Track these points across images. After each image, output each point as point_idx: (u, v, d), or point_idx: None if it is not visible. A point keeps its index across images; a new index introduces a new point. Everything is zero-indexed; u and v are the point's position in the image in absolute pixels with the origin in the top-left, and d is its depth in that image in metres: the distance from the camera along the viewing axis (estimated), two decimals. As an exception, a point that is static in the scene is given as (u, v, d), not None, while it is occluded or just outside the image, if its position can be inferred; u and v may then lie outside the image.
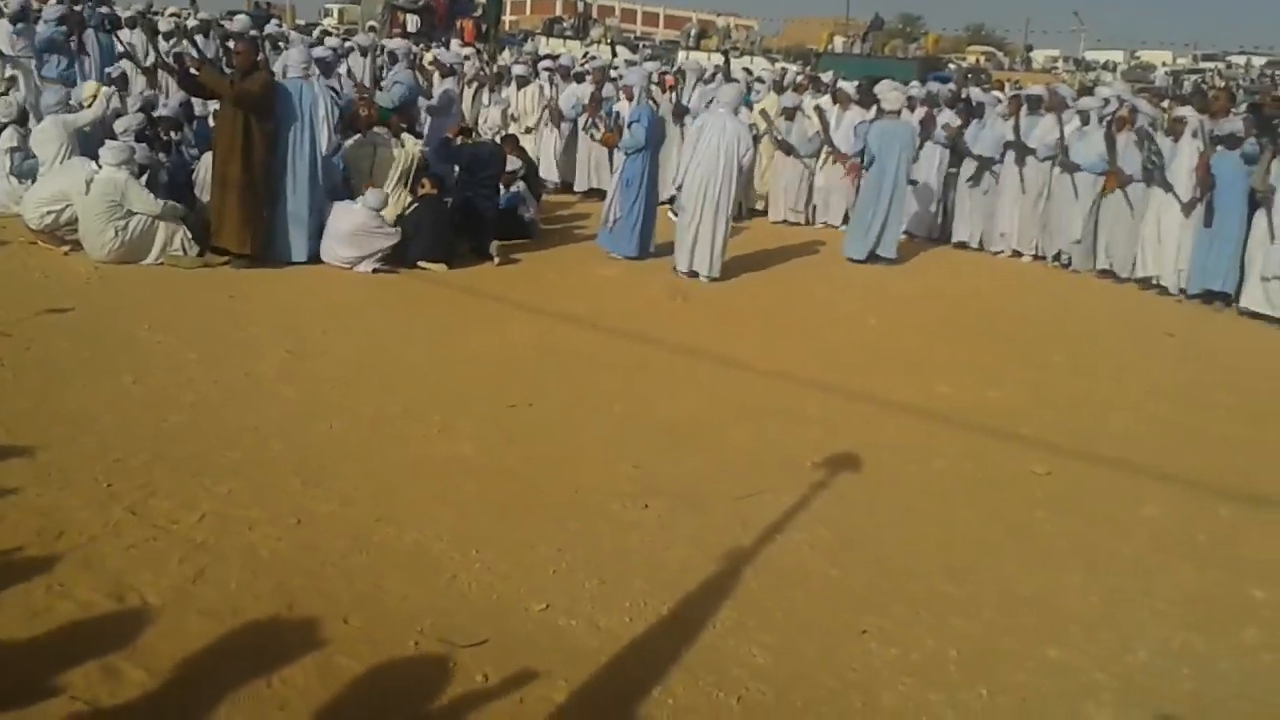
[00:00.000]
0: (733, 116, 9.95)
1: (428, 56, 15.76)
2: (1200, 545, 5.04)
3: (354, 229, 9.00)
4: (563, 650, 3.71)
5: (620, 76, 13.88)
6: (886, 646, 3.92)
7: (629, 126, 10.50)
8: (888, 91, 11.73)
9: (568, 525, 4.67)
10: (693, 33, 38.50)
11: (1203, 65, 44.98)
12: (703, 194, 9.76)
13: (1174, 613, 4.36)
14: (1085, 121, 11.50)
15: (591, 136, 13.11)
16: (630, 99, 11.32)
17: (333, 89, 9.75)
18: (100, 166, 8.55)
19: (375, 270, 9.08)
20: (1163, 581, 4.63)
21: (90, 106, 10.13)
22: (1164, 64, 48.36)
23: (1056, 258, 11.84)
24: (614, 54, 20.90)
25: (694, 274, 9.94)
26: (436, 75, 13.52)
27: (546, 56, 18.95)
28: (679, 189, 9.96)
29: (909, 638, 3.99)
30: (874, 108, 12.42)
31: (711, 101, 13.12)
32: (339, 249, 9.07)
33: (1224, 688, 3.83)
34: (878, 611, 4.16)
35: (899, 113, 11.47)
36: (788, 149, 13.18)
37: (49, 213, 8.63)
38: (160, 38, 14.54)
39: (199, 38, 15.48)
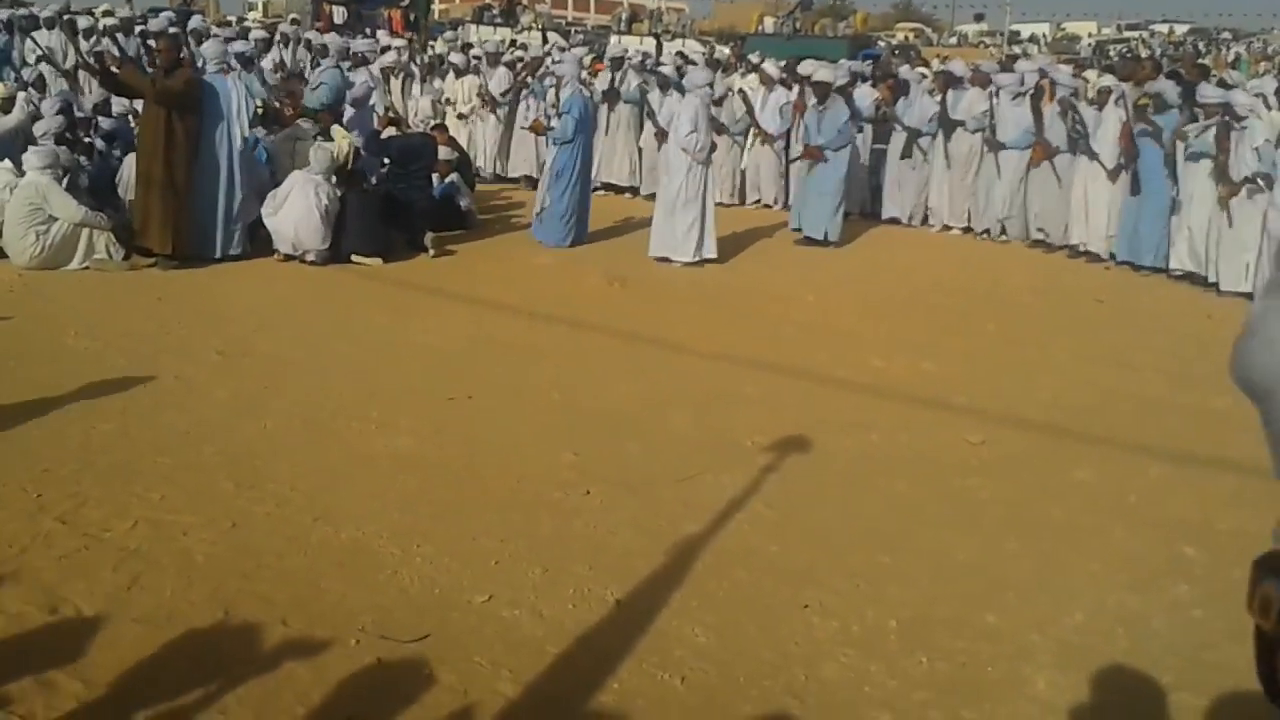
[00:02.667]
0: (686, 98, 10.10)
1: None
2: (1132, 506, 5.14)
3: (321, 212, 8.90)
4: (507, 641, 3.70)
5: (553, 63, 13.82)
6: (827, 619, 3.97)
7: (559, 117, 10.46)
8: (810, 69, 11.89)
9: (509, 516, 4.66)
10: (624, 17, 38.39)
11: (1127, 34, 45.65)
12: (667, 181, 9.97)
13: (1108, 574, 4.44)
14: (1011, 96, 11.66)
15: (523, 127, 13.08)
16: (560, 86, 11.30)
17: (249, 85, 9.60)
18: (23, 172, 8.38)
19: (312, 263, 8.99)
20: (1096, 543, 4.72)
21: (3, 111, 9.88)
22: (1090, 34, 49.03)
23: (986, 231, 11.99)
24: (545, 40, 20.78)
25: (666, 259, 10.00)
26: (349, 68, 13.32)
27: (472, 45, 18.80)
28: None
29: (849, 610, 4.03)
30: (796, 87, 12.53)
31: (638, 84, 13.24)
32: (308, 238, 8.94)
33: (1157, 645, 3.92)
34: (818, 585, 4.20)
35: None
36: (718, 129, 13.19)
37: None
38: (80, 37, 14.24)
39: (120, 36, 15.22)
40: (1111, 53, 33.89)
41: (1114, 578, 4.41)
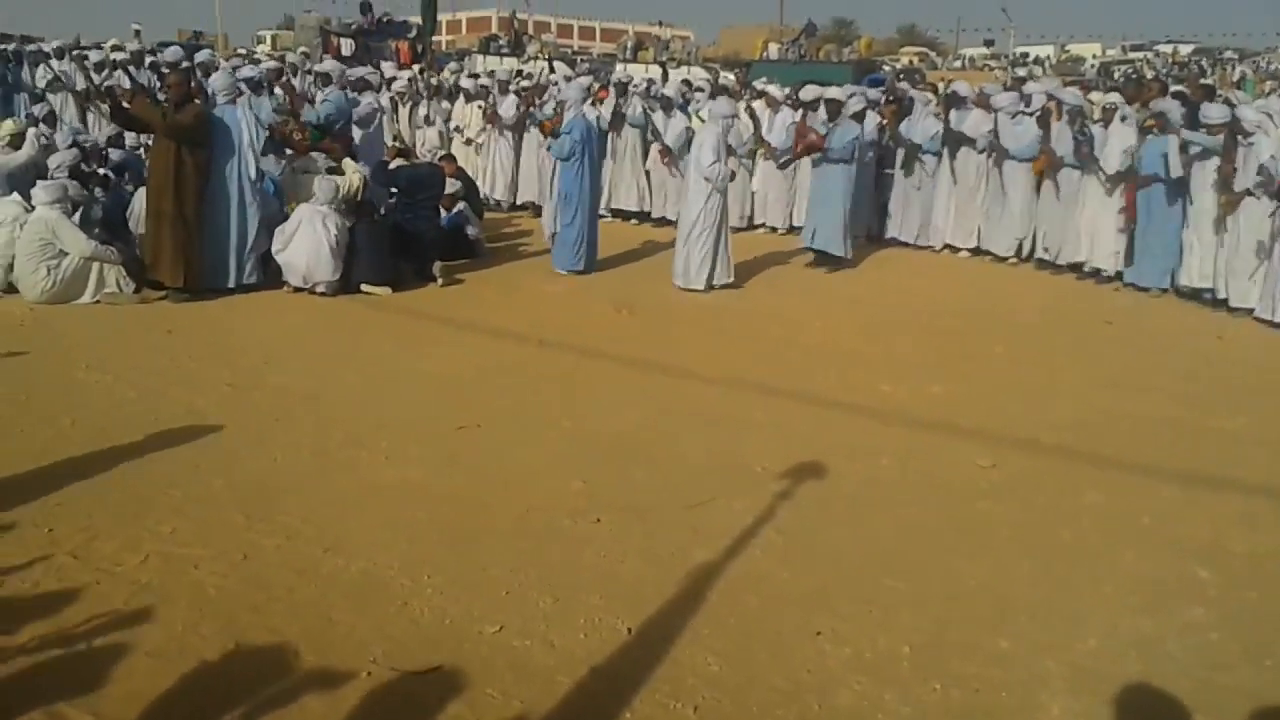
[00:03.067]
0: (708, 127, 10.23)
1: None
2: (1144, 528, 5.12)
3: (331, 244, 8.96)
4: (518, 671, 3.69)
5: (559, 90, 13.94)
6: (840, 646, 3.95)
7: (559, 138, 10.51)
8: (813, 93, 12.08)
9: (519, 545, 4.66)
10: (629, 45, 38.62)
11: (1131, 55, 45.78)
12: (686, 208, 10.18)
13: (1120, 596, 4.42)
14: (1012, 116, 11.71)
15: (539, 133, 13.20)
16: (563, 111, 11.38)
17: (258, 112, 9.66)
18: (33, 206, 8.44)
19: (322, 294, 9.04)
20: (1108, 566, 4.70)
21: (12, 145, 9.95)
22: (1094, 56, 49.18)
23: (993, 253, 12.00)
24: (551, 69, 20.88)
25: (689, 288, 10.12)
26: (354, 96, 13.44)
27: (476, 75, 18.98)
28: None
29: (861, 636, 4.02)
30: (801, 109, 12.63)
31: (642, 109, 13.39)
32: (318, 270, 9.00)
33: (1172, 668, 3.89)
34: (830, 612, 4.18)
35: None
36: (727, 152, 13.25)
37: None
38: (91, 69, 14.40)
39: (131, 69, 15.38)
40: (1116, 74, 33.99)
41: (1126, 601, 4.39)
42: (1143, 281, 10.46)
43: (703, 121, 13.40)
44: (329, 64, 14.63)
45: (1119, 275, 10.70)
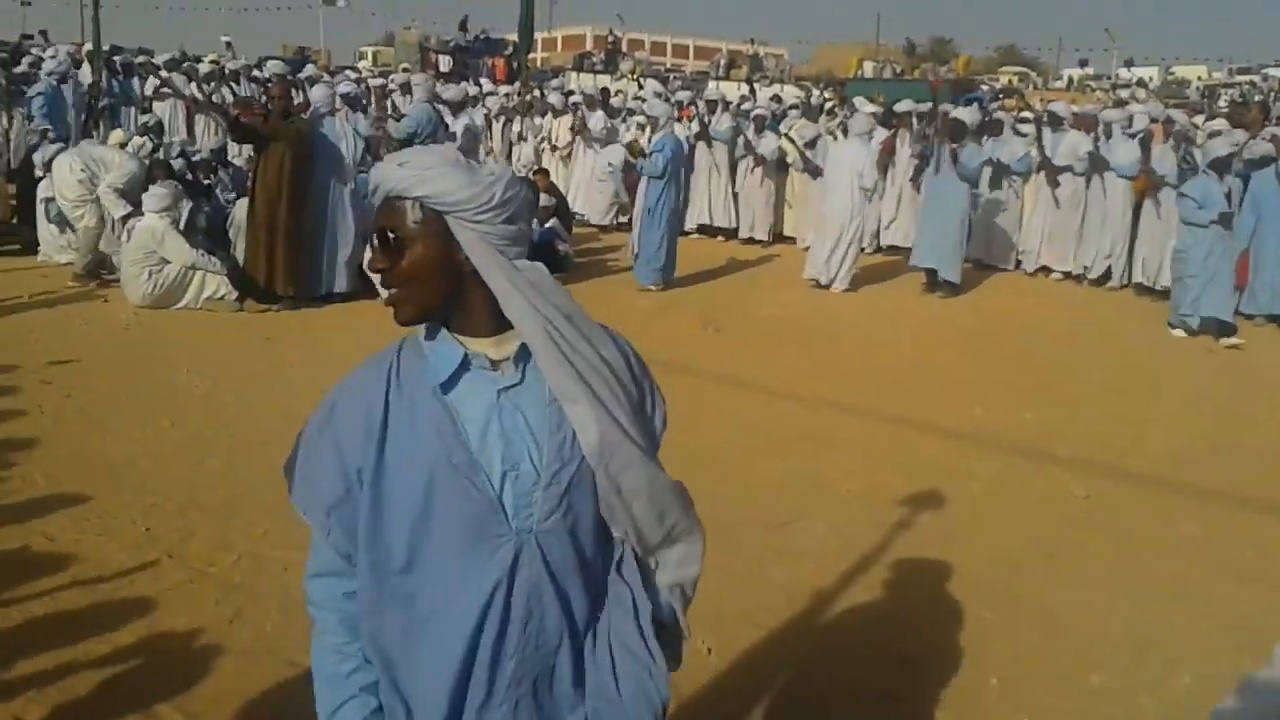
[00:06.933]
0: (855, 144, 11.01)
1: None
2: (1243, 562, 4.95)
3: None
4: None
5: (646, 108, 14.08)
6: (924, 674, 3.87)
7: (650, 156, 10.65)
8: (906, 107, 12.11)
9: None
10: (722, 63, 38.67)
11: (1237, 79, 44.47)
12: (835, 214, 10.86)
13: (1218, 633, 4.27)
14: (1109, 136, 11.47)
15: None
16: (654, 129, 11.50)
17: (355, 126, 9.87)
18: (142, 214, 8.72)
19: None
20: (1206, 601, 4.55)
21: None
22: (1199, 79, 47.88)
23: (1083, 274, 11.75)
24: (640, 86, 21.03)
25: (818, 283, 11.05)
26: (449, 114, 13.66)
27: (572, 92, 19.28)
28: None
29: (948, 665, 3.94)
30: (893, 127, 12.61)
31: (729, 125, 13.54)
32: None
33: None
34: (914, 637, 4.11)
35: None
36: (815, 172, 13.19)
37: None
38: (201, 82, 14.89)
39: (233, 83, 15.86)
40: (1222, 98, 33.06)
41: (1225, 638, 4.23)
42: (1248, 309, 10.13)
43: (788, 138, 13.45)
44: (417, 77, 14.95)
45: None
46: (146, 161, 9.95)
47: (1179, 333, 9.64)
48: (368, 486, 1.74)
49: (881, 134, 12.73)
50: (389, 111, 13.27)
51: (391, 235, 1.71)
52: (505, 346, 1.74)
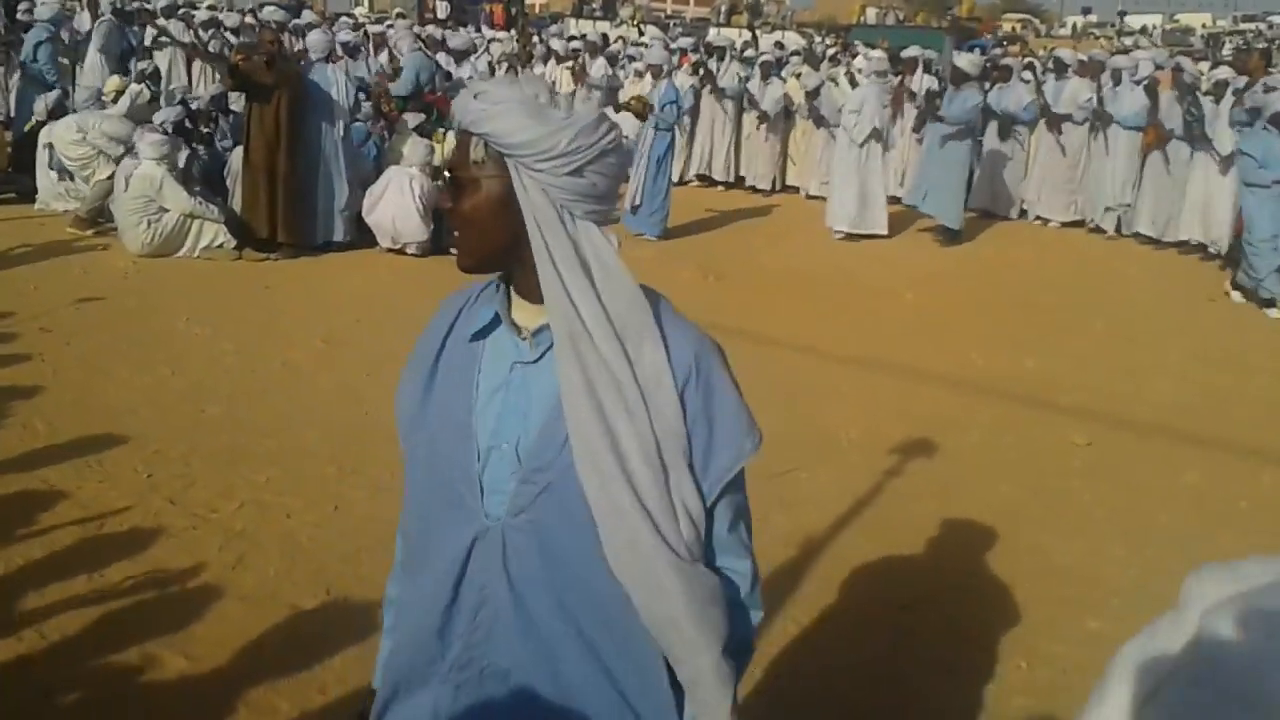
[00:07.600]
0: (873, 84, 11.08)
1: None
2: (1242, 512, 4.97)
3: (419, 205, 9.08)
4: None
5: (640, 55, 13.96)
6: (922, 620, 3.90)
7: (661, 109, 10.52)
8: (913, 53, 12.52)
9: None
10: (723, 9, 38.25)
11: (1242, 26, 44.05)
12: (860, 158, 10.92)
13: (1217, 581, 4.28)
14: (1117, 83, 11.36)
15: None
16: (655, 77, 11.31)
17: (350, 74, 9.77)
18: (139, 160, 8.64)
19: (413, 254, 9.17)
20: (1204, 550, 4.55)
21: (114, 102, 10.23)
22: (1203, 26, 47.46)
23: (1092, 225, 11.69)
24: (640, 33, 20.81)
25: (847, 235, 10.99)
26: (451, 61, 13.53)
27: (574, 37, 19.08)
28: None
29: (945, 612, 3.96)
30: (900, 74, 12.55)
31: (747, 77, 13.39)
32: (406, 230, 9.14)
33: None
34: (912, 586, 4.13)
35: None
36: (819, 119, 13.08)
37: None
38: (198, 29, 14.73)
39: (228, 31, 15.69)
40: (1226, 45, 32.75)
41: (1225, 586, 4.25)
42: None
43: (800, 84, 13.33)
44: (398, 25, 14.86)
45: (1230, 253, 10.31)
46: (132, 106, 9.92)
47: (1237, 295, 9.12)
48: (418, 413, 1.71)
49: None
50: (390, 60, 13.15)
51: (451, 173, 1.59)
52: (539, 319, 1.58)
